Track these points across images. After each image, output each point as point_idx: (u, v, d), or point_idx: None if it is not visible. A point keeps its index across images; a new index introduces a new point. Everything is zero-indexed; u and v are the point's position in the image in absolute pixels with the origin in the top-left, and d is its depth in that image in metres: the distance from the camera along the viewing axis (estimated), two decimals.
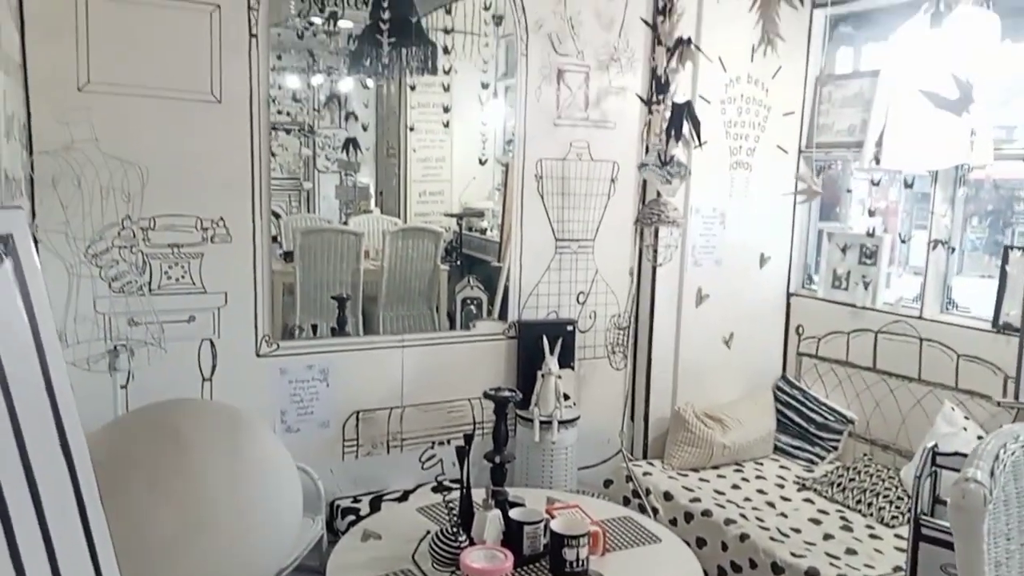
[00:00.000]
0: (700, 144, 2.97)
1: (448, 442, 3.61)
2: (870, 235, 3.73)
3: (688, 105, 2.79)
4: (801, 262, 4.19)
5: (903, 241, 3.76)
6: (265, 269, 3.19)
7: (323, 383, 3.34)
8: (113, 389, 2.91)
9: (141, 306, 2.96)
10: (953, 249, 3.45)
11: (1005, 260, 3.20)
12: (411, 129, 5.92)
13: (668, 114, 2.78)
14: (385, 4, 4.64)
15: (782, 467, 3.71)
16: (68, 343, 2.80)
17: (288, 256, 5.13)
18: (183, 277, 3.04)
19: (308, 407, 3.33)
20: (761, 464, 3.72)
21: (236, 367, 3.14)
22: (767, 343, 4.15)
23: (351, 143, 6.27)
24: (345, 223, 6.15)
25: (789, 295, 4.17)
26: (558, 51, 3.67)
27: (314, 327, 4.58)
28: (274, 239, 5.11)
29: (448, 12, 4.99)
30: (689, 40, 2.81)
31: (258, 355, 3.21)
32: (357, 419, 3.44)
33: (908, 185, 3.64)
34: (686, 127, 2.77)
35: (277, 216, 5.74)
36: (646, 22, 3.47)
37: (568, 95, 3.73)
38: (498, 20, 4.91)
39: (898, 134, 3.45)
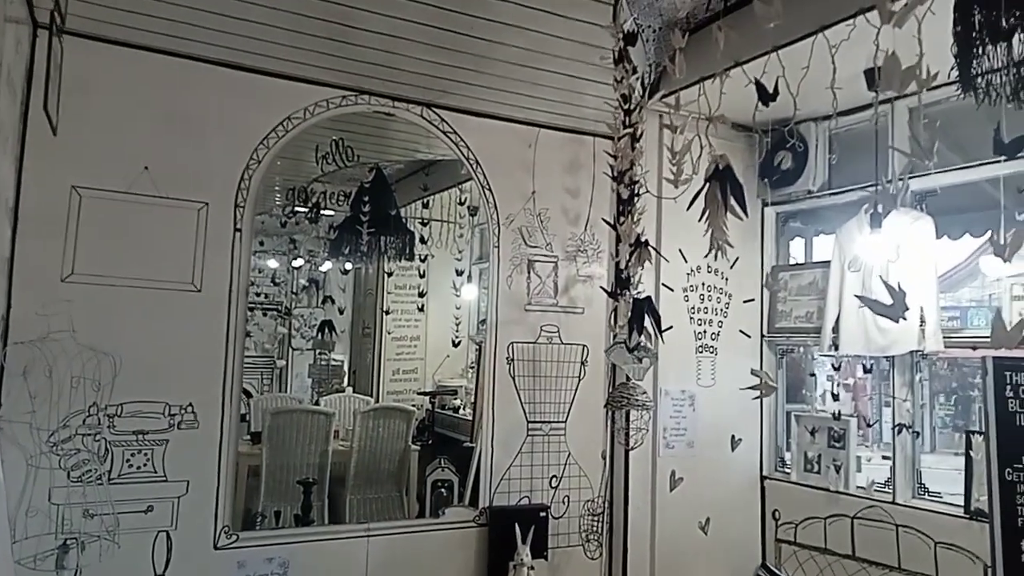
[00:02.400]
0: (661, 336, 3.10)
1: None
2: (836, 418, 3.79)
3: (648, 301, 2.95)
4: (772, 444, 4.20)
5: (869, 425, 3.83)
6: (230, 454, 3.13)
7: None
8: None
9: (98, 496, 2.86)
10: (918, 433, 3.50)
11: (968, 446, 3.25)
12: (387, 312, 6.10)
13: (630, 309, 2.91)
14: (366, 198, 4.97)
15: None
16: (17, 538, 2.67)
17: (256, 437, 5.05)
18: (145, 465, 2.97)
19: None
20: None
21: (191, 561, 2.99)
22: (744, 529, 4.06)
23: (327, 325, 6.41)
24: (316, 402, 6.13)
25: (763, 478, 4.14)
26: (528, 243, 3.89)
27: (277, 514, 4.42)
28: (243, 418, 5.07)
29: (425, 206, 5.34)
30: (646, 242, 3.02)
31: (215, 547, 3.06)
32: None
33: (867, 370, 3.76)
34: (647, 321, 2.90)
35: (248, 395, 5.72)
36: (607, 223, 3.71)
37: (538, 283, 3.90)
38: (473, 211, 5.25)
39: (851, 322, 3.63)
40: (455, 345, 5.86)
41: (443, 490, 4.19)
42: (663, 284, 3.95)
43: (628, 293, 3.01)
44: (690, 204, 2.52)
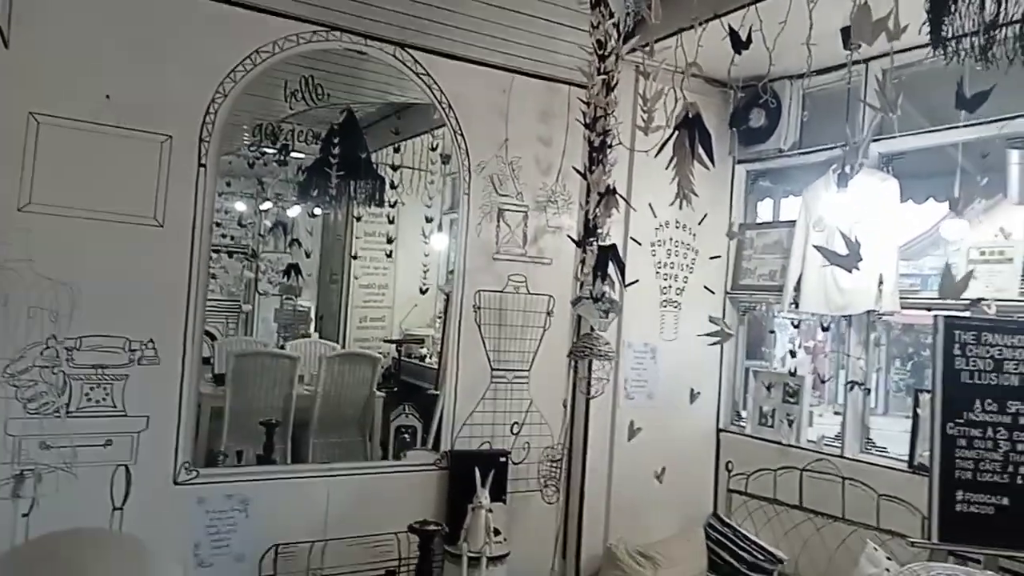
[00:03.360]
0: (625, 285, 3.13)
1: None
2: (792, 374, 3.89)
3: (613, 248, 2.97)
4: (730, 399, 4.30)
5: (823, 382, 3.92)
6: (192, 392, 3.11)
7: (242, 514, 3.20)
8: (13, 517, 2.74)
9: (56, 429, 2.84)
10: (869, 390, 3.61)
11: (916, 403, 3.36)
12: (355, 257, 6.04)
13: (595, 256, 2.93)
14: (336, 140, 4.89)
15: None
16: None
17: (220, 379, 5.03)
18: (104, 399, 2.95)
19: (224, 539, 3.16)
20: None
21: (151, 495, 3.00)
22: (698, 479, 4.18)
23: (293, 268, 6.34)
24: (282, 347, 6.10)
25: (719, 431, 4.26)
26: (499, 191, 3.87)
27: (239, 454, 4.43)
28: (207, 361, 5.03)
29: (397, 150, 5.27)
30: (614, 190, 3.02)
31: (175, 483, 3.07)
32: (276, 553, 3.28)
33: (825, 328, 3.85)
34: (612, 268, 2.92)
35: (212, 337, 5.68)
36: (578, 171, 3.70)
37: (507, 232, 3.90)
38: (445, 159, 5.19)
39: (812, 281, 3.70)
40: (423, 292, 5.85)
41: (406, 436, 4.23)
42: (631, 238, 3.97)
43: (594, 242, 3.02)
44: (659, 151, 2.52)
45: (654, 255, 4.10)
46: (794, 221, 3.93)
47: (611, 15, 3.07)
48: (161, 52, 3.03)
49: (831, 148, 3.75)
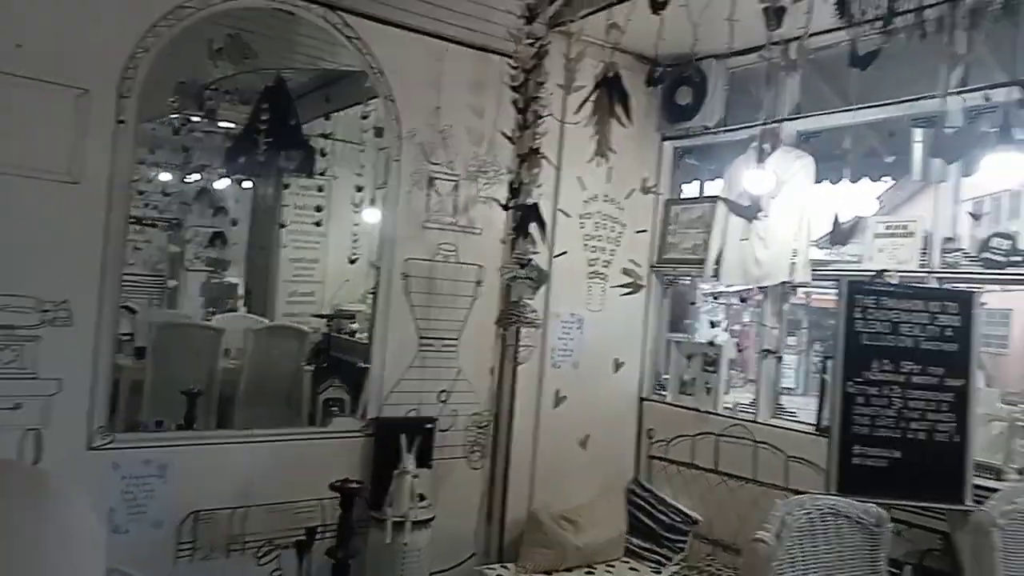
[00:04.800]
0: (544, 241, 3.18)
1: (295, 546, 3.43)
2: (711, 344, 4.04)
3: (535, 207, 3.02)
4: (652, 368, 4.43)
5: (740, 351, 4.08)
6: (106, 356, 3.02)
7: (160, 479, 3.13)
8: None
9: None
10: (780, 358, 3.78)
11: (824, 369, 3.54)
12: (283, 226, 5.93)
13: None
14: (265, 106, 4.79)
15: (632, 569, 3.77)
16: None
17: (140, 352, 4.89)
18: (14, 361, 2.84)
19: (141, 506, 3.09)
20: (612, 567, 3.77)
21: (63, 460, 2.90)
22: (621, 446, 4.30)
23: (218, 237, 6.19)
24: (208, 321, 5.96)
25: (641, 400, 4.38)
26: (430, 160, 3.86)
27: (159, 423, 4.32)
28: (128, 336, 4.88)
29: (327, 119, 5.19)
30: (537, 150, 3.07)
31: (90, 447, 2.99)
32: (195, 519, 3.23)
33: (743, 300, 4.01)
34: (533, 227, 2.98)
35: (132, 311, 5.50)
36: (505, 135, 3.71)
37: (438, 200, 3.91)
38: (378, 132, 5.13)
39: (731, 254, 3.84)
40: (351, 263, 5.79)
41: (335, 408, 4.21)
42: (560, 209, 4.03)
43: (519, 203, 3.07)
44: (579, 108, 2.58)
45: (582, 227, 4.17)
46: (717, 197, 4.06)
47: None
48: (77, 1, 2.92)
49: (753, 126, 3.89)
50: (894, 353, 2.71)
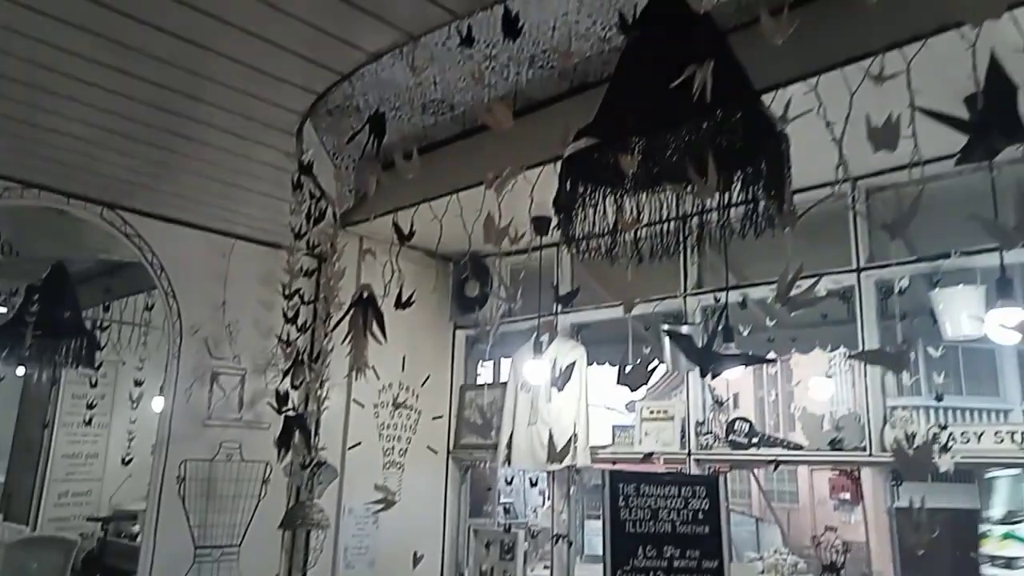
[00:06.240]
0: (311, 450, 3.17)
1: None
2: (506, 531, 4.04)
3: (298, 418, 3.03)
4: (453, 560, 4.33)
5: (533, 536, 4.12)
6: None
7: None
8: None
9: None
10: (571, 543, 3.85)
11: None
12: (46, 426, 5.39)
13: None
14: (36, 297, 4.49)
15: None
16: None
17: None
18: None
19: None
20: None
21: None
22: None
23: None
24: None
25: None
26: (213, 354, 3.76)
27: None
28: None
29: (107, 309, 4.93)
30: (302, 359, 3.11)
31: None
32: None
33: (533, 484, 4.11)
34: (297, 437, 2.95)
35: None
36: (280, 338, 3.64)
37: (221, 396, 3.77)
38: (159, 325, 4.92)
39: (521, 438, 3.97)
40: (125, 464, 5.36)
41: None
42: (354, 400, 4.02)
43: (286, 411, 3.05)
44: (334, 326, 2.67)
45: (377, 416, 4.16)
46: (506, 382, 4.24)
47: (321, 196, 3.28)
48: None
49: (532, 318, 4.19)
50: (656, 539, 2.85)
